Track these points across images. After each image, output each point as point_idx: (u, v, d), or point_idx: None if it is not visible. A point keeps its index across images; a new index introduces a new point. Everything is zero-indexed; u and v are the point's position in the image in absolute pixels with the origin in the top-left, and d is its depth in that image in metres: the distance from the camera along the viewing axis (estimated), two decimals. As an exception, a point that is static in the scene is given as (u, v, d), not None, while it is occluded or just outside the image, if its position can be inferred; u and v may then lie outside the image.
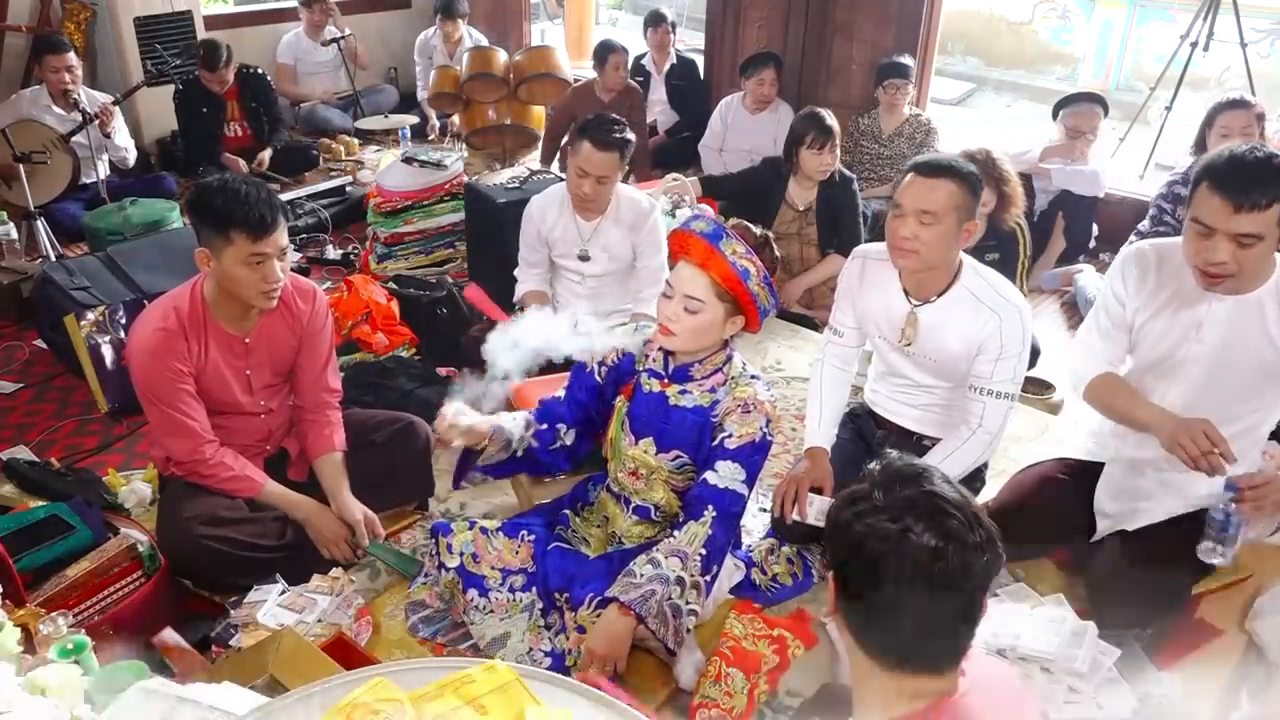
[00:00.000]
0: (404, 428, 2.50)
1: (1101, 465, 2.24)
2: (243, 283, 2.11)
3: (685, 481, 2.10)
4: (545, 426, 2.16)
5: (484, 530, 2.13)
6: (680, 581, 1.86)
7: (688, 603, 1.86)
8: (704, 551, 1.90)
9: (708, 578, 1.92)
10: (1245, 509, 1.90)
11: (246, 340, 2.24)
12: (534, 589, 2.11)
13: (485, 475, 2.19)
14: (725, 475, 1.94)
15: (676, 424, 2.05)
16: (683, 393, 2.05)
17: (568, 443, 2.20)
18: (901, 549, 1.07)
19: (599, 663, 1.79)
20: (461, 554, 2.12)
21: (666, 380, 2.06)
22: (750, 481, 1.98)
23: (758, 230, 1.99)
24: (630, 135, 2.84)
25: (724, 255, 1.87)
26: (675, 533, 1.92)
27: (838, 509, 1.16)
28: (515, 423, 2.12)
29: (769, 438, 2.00)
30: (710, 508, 1.92)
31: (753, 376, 2.04)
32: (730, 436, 1.96)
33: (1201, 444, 1.85)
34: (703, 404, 2.03)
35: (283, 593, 2.15)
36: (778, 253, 2.01)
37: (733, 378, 2.03)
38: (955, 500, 1.11)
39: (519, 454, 2.15)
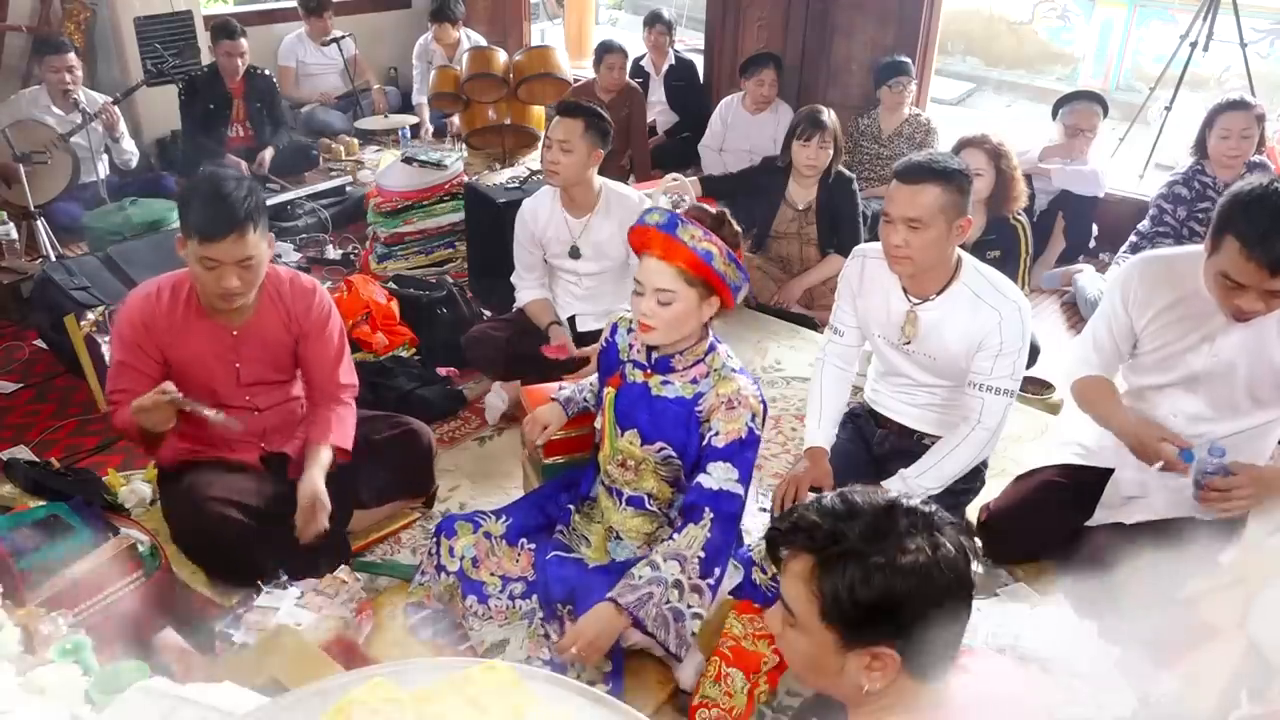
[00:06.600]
0: (405, 433, 2.48)
1: (1102, 471, 2.24)
2: (199, 280, 2.09)
3: (673, 473, 2.09)
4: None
5: (487, 535, 2.13)
6: (679, 585, 1.85)
7: (689, 606, 1.85)
8: (703, 554, 1.88)
9: (710, 580, 1.91)
10: (1204, 502, 1.99)
11: (234, 332, 2.22)
12: (534, 597, 2.11)
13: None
14: (718, 476, 1.93)
15: (659, 415, 2.03)
16: (664, 383, 2.03)
17: None
18: (938, 569, 1.08)
19: (584, 646, 1.81)
20: (462, 558, 2.12)
21: (649, 370, 2.06)
22: (745, 480, 1.96)
23: (713, 209, 1.97)
24: (603, 113, 2.91)
25: (683, 242, 1.86)
26: (674, 535, 1.91)
27: (836, 575, 1.10)
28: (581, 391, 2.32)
29: (756, 432, 1.97)
30: (707, 510, 1.91)
31: (737, 370, 2.01)
32: (717, 435, 1.94)
33: (1154, 457, 2.03)
34: (684, 395, 2.01)
35: (300, 595, 2.12)
36: (736, 226, 1.98)
37: (715, 369, 2.01)
38: (923, 506, 1.14)
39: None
